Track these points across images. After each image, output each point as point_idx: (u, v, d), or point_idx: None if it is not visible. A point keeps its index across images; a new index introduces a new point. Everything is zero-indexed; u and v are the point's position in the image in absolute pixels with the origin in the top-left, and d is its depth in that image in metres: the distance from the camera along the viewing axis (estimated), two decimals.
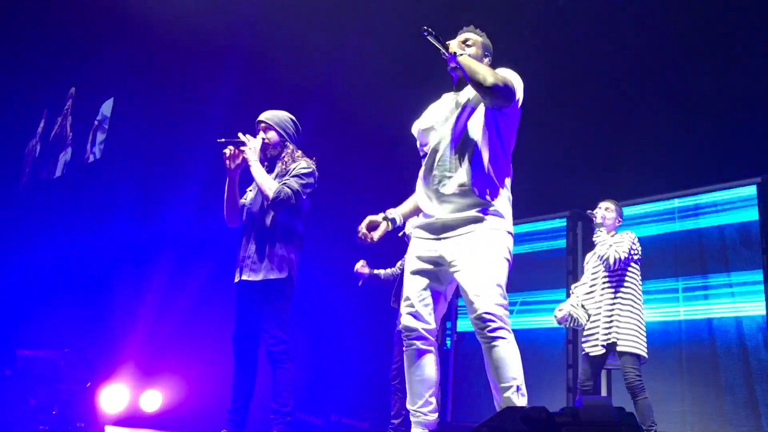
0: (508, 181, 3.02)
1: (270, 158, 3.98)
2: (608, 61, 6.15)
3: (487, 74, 2.79)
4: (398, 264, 5.51)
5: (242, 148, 3.86)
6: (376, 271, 5.62)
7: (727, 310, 5.52)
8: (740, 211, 5.63)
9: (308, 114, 5.35)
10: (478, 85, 2.82)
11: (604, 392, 5.98)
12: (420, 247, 3.00)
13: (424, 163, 3.06)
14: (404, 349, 3.02)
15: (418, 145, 3.16)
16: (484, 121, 2.95)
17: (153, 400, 6.46)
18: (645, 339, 4.57)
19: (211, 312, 6.62)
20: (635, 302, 4.61)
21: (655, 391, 5.37)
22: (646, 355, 4.54)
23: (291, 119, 4.09)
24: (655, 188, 6.14)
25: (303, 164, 3.89)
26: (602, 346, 4.57)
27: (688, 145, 5.83)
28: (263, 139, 3.94)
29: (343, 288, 7.32)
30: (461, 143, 2.95)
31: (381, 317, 6.04)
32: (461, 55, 2.92)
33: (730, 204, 5.70)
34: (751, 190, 5.59)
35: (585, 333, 4.76)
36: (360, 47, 6.97)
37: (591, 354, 4.65)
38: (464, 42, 3.12)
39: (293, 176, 3.81)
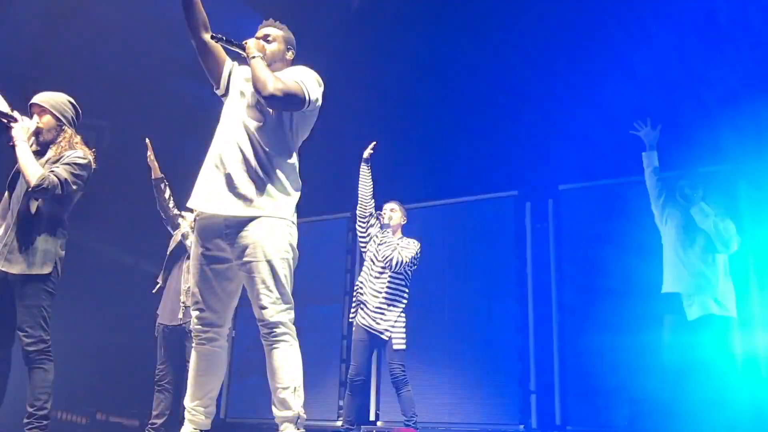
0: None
1: (44, 143, 3.65)
2: (399, 66, 6.44)
3: (267, 83, 2.81)
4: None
5: (11, 124, 3.51)
6: None
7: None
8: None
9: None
10: (258, 93, 2.85)
11: (373, 384, 6.30)
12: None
13: None
14: (194, 346, 2.97)
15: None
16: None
17: None
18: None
19: None
20: (405, 303, 4.87)
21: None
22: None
23: (70, 102, 3.78)
24: (430, 193, 6.54)
25: (79, 153, 3.62)
26: (374, 333, 4.76)
27: (457, 156, 6.31)
28: (37, 123, 3.61)
29: (103, 280, 7.03)
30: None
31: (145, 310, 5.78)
32: (253, 58, 2.91)
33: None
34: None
35: (352, 314, 4.93)
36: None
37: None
38: (265, 38, 3.10)
39: (65, 164, 3.53)
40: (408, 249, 4.88)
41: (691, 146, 5.28)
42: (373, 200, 5.07)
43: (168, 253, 5.19)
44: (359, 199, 5.07)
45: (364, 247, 5.07)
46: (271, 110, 2.94)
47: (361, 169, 5.10)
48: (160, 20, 6.43)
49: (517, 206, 6.12)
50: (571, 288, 5.76)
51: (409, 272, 4.91)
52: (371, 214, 5.05)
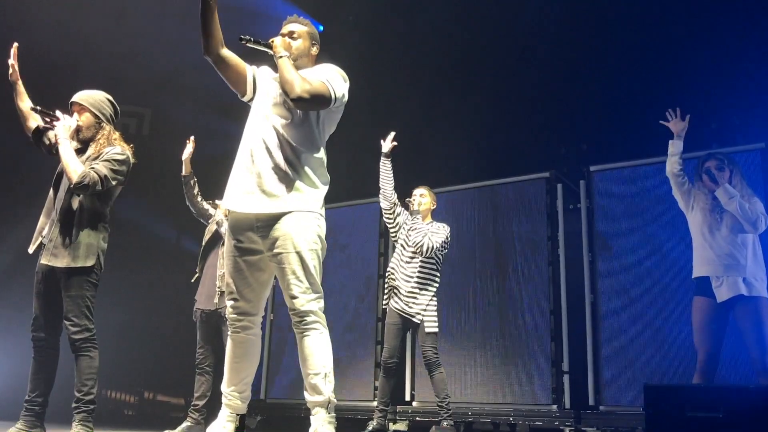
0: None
1: (84, 140, 3.81)
2: (430, 48, 6.47)
3: (294, 85, 2.90)
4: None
5: (55, 123, 3.69)
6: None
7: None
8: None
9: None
10: (286, 94, 2.95)
11: (408, 366, 6.42)
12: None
13: None
14: (229, 334, 3.12)
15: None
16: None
17: None
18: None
19: None
20: (436, 287, 4.97)
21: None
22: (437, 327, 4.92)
23: (108, 99, 3.93)
24: (461, 176, 6.58)
25: (118, 149, 3.77)
26: (407, 317, 4.88)
27: (489, 139, 6.33)
28: (77, 121, 3.78)
29: (150, 270, 7.26)
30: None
31: (185, 297, 5.96)
32: (280, 57, 3.02)
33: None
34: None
35: (385, 299, 5.06)
36: None
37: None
38: (290, 35, 3.19)
39: (104, 161, 3.68)
40: (438, 234, 4.95)
41: (720, 126, 5.23)
42: (395, 192, 5.13)
43: (203, 243, 5.36)
44: (381, 193, 5.14)
45: (394, 235, 5.16)
46: (297, 110, 3.04)
47: (382, 164, 5.14)
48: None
49: (549, 188, 6.12)
50: (603, 268, 5.77)
51: (440, 257, 4.99)
52: (395, 204, 5.12)
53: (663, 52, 5.64)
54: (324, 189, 3.13)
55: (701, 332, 4.16)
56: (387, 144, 5.14)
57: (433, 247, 4.85)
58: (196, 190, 5.35)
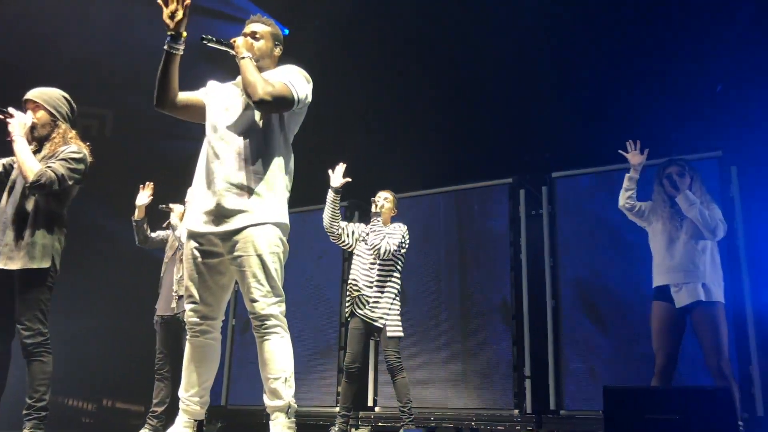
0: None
1: (39, 139, 3.71)
2: (393, 55, 6.48)
3: (257, 87, 2.86)
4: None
5: (8, 120, 3.59)
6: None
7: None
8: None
9: None
10: (249, 97, 2.92)
11: (371, 371, 6.39)
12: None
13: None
14: (188, 338, 3.06)
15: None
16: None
17: None
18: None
19: None
20: (397, 290, 4.92)
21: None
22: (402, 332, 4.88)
23: (64, 97, 3.84)
24: (425, 182, 6.60)
25: (74, 148, 3.67)
26: (369, 322, 4.83)
27: (452, 145, 6.36)
28: (32, 118, 3.67)
29: (110, 275, 7.13)
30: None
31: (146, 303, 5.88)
32: (242, 58, 2.97)
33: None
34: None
35: (347, 309, 4.98)
36: None
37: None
38: (252, 35, 3.15)
39: (61, 159, 3.59)
40: (394, 235, 4.90)
41: (678, 134, 5.32)
42: (339, 224, 5.01)
43: (166, 259, 5.34)
44: (326, 227, 5.01)
45: (350, 249, 5.12)
46: (260, 113, 3.00)
47: (331, 200, 4.94)
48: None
49: (512, 193, 6.17)
50: (564, 273, 5.83)
51: (399, 258, 4.95)
52: (341, 230, 5.04)
53: (624, 61, 5.73)
54: (287, 192, 3.09)
55: (660, 337, 4.21)
56: (337, 178, 4.95)
57: (389, 249, 4.81)
58: (148, 232, 5.35)
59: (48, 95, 3.77)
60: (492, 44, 6.20)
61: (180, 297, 4.97)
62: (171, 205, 5.25)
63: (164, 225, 5.38)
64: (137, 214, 5.28)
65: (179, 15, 2.91)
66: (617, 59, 5.74)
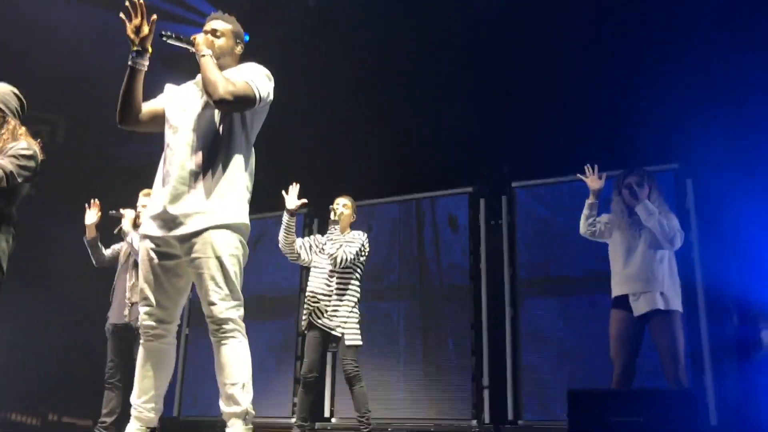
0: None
1: None
2: (353, 62, 6.47)
3: (217, 86, 2.79)
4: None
5: None
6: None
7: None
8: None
9: None
10: (209, 96, 2.84)
11: (328, 382, 6.30)
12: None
13: None
14: (142, 342, 2.97)
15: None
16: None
17: None
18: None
19: None
20: (357, 298, 4.83)
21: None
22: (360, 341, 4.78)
23: (13, 92, 3.67)
24: (385, 190, 6.58)
25: (23, 144, 3.52)
26: (327, 331, 4.72)
27: (412, 153, 6.37)
28: None
29: (54, 278, 6.94)
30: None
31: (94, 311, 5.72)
32: (203, 56, 2.90)
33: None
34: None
35: (303, 320, 4.87)
36: None
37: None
38: (213, 32, 3.07)
39: (9, 156, 3.44)
40: (352, 244, 4.80)
41: (636, 145, 5.40)
42: (294, 245, 4.91)
43: (119, 265, 5.22)
44: (282, 250, 4.92)
45: (309, 263, 5.02)
46: (219, 112, 2.93)
47: (286, 221, 4.84)
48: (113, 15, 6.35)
49: (471, 203, 6.18)
50: (524, 284, 5.85)
51: (358, 266, 4.86)
52: (299, 249, 4.94)
53: (582, 72, 5.79)
54: (247, 193, 3.02)
55: (618, 345, 4.23)
56: (292, 200, 4.84)
57: (346, 258, 4.70)
58: (101, 250, 5.23)
59: None
60: (454, 52, 6.23)
61: (133, 304, 4.86)
62: (122, 210, 5.12)
63: (115, 231, 5.23)
64: (88, 233, 5.16)
65: (145, 30, 2.86)
66: (577, 71, 5.81)
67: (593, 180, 4.46)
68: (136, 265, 4.90)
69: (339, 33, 6.62)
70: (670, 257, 4.27)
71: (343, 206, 4.96)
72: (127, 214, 5.07)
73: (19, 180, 3.46)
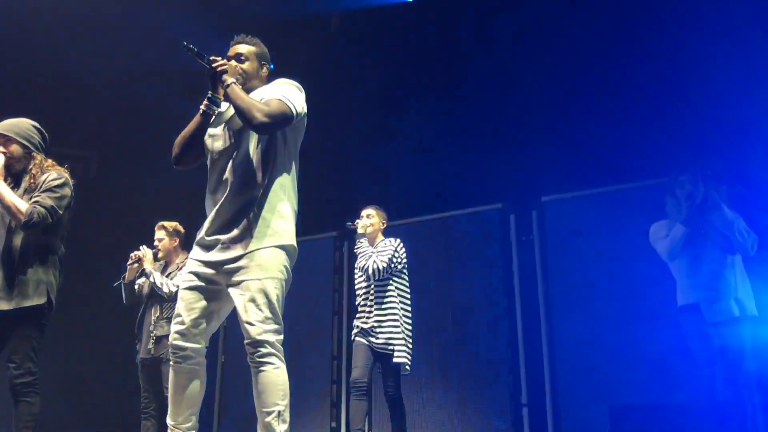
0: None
1: (15, 174, 3.60)
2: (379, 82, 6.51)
3: (252, 111, 2.80)
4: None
5: None
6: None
7: None
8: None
9: None
10: (246, 123, 2.86)
11: None
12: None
13: None
14: (171, 364, 2.96)
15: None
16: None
17: None
18: (411, 348, 4.55)
19: None
20: (401, 310, 4.55)
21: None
22: (409, 367, 4.53)
23: (34, 126, 3.70)
24: (414, 209, 6.56)
25: (54, 175, 3.56)
26: (376, 349, 4.51)
27: (446, 169, 6.36)
28: (4, 154, 3.53)
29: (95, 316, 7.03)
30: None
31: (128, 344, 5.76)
32: (228, 86, 2.90)
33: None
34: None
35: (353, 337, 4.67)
36: None
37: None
38: (237, 57, 3.08)
39: (45, 191, 3.48)
40: (383, 252, 4.60)
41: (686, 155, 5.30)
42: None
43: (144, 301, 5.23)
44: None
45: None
46: (256, 134, 2.94)
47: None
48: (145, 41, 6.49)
49: (501, 219, 6.13)
50: (558, 299, 5.76)
51: (397, 274, 4.63)
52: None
53: (610, 83, 5.75)
54: (293, 216, 3.01)
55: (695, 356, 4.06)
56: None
57: (377, 268, 4.51)
58: (137, 292, 5.23)
59: (18, 127, 3.62)
60: (482, 68, 6.23)
61: (158, 338, 4.93)
62: (142, 250, 5.15)
63: (137, 273, 5.22)
64: (128, 276, 5.19)
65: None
66: (604, 83, 5.76)
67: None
68: (158, 299, 5.02)
69: (361, 56, 6.67)
70: (740, 261, 4.08)
71: (367, 217, 4.81)
72: (148, 254, 5.13)
73: (61, 212, 3.51)
